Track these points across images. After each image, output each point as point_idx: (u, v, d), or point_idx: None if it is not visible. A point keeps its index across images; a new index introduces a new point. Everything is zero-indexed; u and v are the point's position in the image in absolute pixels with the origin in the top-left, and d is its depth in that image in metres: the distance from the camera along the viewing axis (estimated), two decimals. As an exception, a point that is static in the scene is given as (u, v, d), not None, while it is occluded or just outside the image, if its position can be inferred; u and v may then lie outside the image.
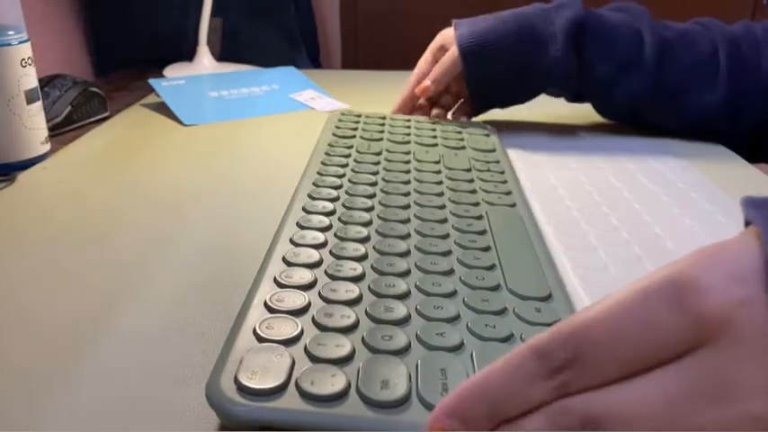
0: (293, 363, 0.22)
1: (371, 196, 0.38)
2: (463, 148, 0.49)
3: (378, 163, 0.44)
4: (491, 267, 0.31)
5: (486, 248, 0.33)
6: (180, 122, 0.63)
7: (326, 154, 0.45)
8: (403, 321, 0.26)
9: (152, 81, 0.70)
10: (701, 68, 0.53)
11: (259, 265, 0.30)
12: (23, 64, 0.50)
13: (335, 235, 0.33)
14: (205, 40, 0.85)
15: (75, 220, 0.41)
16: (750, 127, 0.54)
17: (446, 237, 0.33)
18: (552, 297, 0.28)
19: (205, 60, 0.86)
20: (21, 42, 0.49)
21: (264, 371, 0.22)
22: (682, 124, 0.56)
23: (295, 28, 1.05)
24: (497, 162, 0.47)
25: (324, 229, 0.33)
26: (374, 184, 0.40)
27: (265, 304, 0.26)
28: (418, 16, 1.29)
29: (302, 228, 0.33)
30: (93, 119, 0.65)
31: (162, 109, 0.67)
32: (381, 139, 0.49)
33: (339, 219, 0.35)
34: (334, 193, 0.38)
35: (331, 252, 0.31)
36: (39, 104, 0.52)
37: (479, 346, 0.24)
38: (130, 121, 0.65)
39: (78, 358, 0.27)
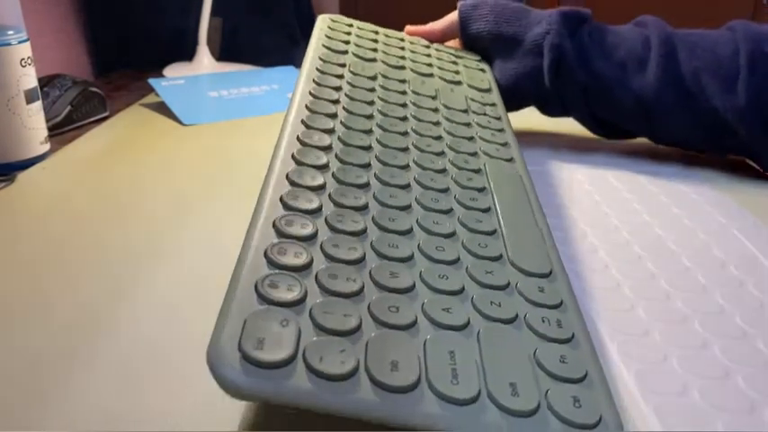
0: (299, 332, 0.21)
1: (369, 132, 0.35)
2: (459, 83, 0.48)
3: (373, 90, 0.41)
4: (493, 233, 0.30)
5: (487, 209, 0.32)
6: (179, 122, 0.63)
7: (318, 70, 0.42)
8: (408, 290, 0.24)
9: (152, 81, 0.70)
10: (718, 68, 0.48)
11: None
12: (23, 64, 0.50)
13: (333, 175, 0.30)
14: (205, 39, 0.85)
15: (74, 219, 0.41)
16: None
17: (446, 191, 0.32)
18: (553, 274, 0.28)
19: (205, 60, 0.86)
20: (20, 42, 0.49)
21: (271, 340, 0.20)
22: (694, 131, 0.51)
23: (295, 28, 1.05)
24: (494, 105, 0.45)
25: (321, 168, 0.30)
26: (371, 116, 0.37)
27: (266, 256, 0.24)
28: (418, 17, 1.29)
29: (299, 163, 0.30)
30: (92, 119, 0.65)
31: (161, 109, 0.67)
32: (375, 60, 0.47)
33: (336, 156, 0.32)
34: (326, 138, 0.34)
35: (330, 197, 0.28)
36: (38, 104, 0.52)
37: (485, 327, 0.24)
38: (130, 121, 0.65)
39: (78, 358, 0.27)
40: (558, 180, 0.48)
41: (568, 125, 0.58)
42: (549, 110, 0.56)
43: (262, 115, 0.66)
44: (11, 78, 0.49)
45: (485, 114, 0.43)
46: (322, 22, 0.51)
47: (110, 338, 0.29)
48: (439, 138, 0.38)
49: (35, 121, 0.51)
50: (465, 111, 0.43)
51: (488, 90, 0.48)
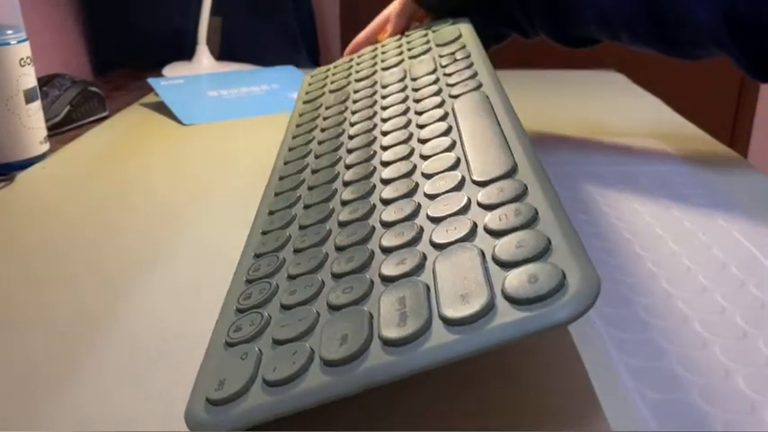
0: (260, 356, 0.22)
1: (337, 161, 0.35)
2: (429, 50, 0.47)
3: (343, 111, 0.42)
4: (455, 166, 0.29)
5: (451, 147, 0.31)
6: (179, 122, 0.63)
7: (297, 126, 0.44)
8: (365, 266, 0.24)
9: (151, 80, 0.70)
10: None
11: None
12: (22, 63, 0.49)
13: (304, 206, 0.32)
14: (204, 39, 0.85)
15: (74, 219, 0.41)
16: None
17: (411, 154, 0.32)
18: (517, 169, 0.26)
19: (204, 60, 0.86)
20: (19, 42, 0.49)
21: (230, 377, 0.21)
22: (662, 42, 0.49)
23: (295, 27, 1.05)
24: (463, 47, 0.45)
25: (291, 205, 0.33)
26: (339, 146, 0.38)
27: (236, 307, 0.26)
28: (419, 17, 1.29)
29: (272, 213, 0.33)
30: (92, 118, 0.65)
31: (161, 108, 0.67)
32: (348, 83, 0.47)
33: (308, 187, 0.34)
34: (300, 176, 0.36)
35: (297, 222, 0.31)
36: (37, 104, 0.52)
37: (440, 256, 0.23)
38: (129, 121, 0.65)
39: (77, 358, 0.27)
40: (556, 180, 0.48)
41: (568, 126, 0.58)
42: (527, 36, 0.56)
43: (261, 115, 0.66)
44: (10, 78, 0.49)
45: (454, 61, 0.43)
46: (303, 83, 0.54)
47: (109, 338, 0.29)
48: (406, 111, 0.38)
49: (34, 120, 0.51)
50: (433, 71, 0.43)
51: (458, 37, 0.47)
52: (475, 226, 0.23)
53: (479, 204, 0.25)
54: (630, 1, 0.48)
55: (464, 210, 0.25)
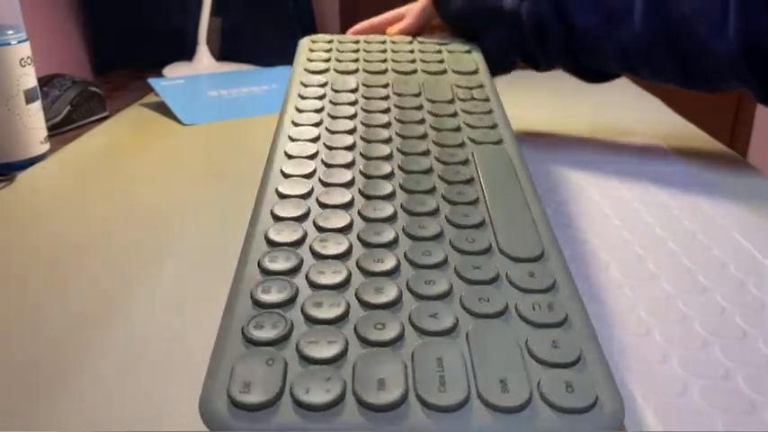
0: (285, 367, 0.21)
1: (351, 147, 0.35)
2: (444, 72, 0.47)
3: (354, 103, 0.41)
4: (481, 225, 0.29)
5: (475, 201, 0.31)
6: (179, 122, 0.63)
7: (300, 96, 0.42)
8: (394, 303, 0.24)
9: (151, 81, 0.70)
10: (707, 11, 0.46)
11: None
12: (22, 63, 0.50)
13: (317, 201, 0.30)
14: (205, 39, 0.85)
15: (74, 219, 0.41)
16: None
17: (433, 191, 0.32)
18: (545, 255, 0.27)
19: (204, 60, 0.86)
20: (20, 42, 0.49)
21: (257, 381, 0.21)
22: (681, 74, 0.49)
23: (295, 28, 1.05)
24: (481, 87, 0.45)
25: (304, 196, 0.30)
26: (353, 131, 0.37)
27: (252, 297, 0.25)
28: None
29: (282, 197, 0.31)
30: (92, 118, 0.65)
31: (161, 108, 0.67)
32: (356, 71, 0.47)
33: (320, 179, 0.32)
34: (309, 165, 0.34)
35: (315, 223, 0.29)
36: (38, 104, 0.52)
37: (474, 326, 0.23)
38: (130, 121, 0.65)
39: (77, 359, 0.27)
40: (557, 180, 0.48)
41: (568, 126, 0.58)
42: (537, 67, 0.56)
43: (262, 115, 0.66)
44: (10, 78, 0.49)
45: (472, 99, 0.43)
46: (302, 46, 0.52)
47: (110, 338, 0.29)
48: (424, 136, 0.37)
49: (35, 120, 0.51)
50: (450, 101, 0.42)
51: (475, 71, 0.47)
52: (507, 306, 0.24)
53: (510, 282, 0.25)
54: (650, 35, 0.48)
55: (495, 281, 0.26)
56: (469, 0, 0.53)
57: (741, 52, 0.45)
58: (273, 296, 0.25)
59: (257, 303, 0.24)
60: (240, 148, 0.56)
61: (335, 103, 0.41)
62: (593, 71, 0.55)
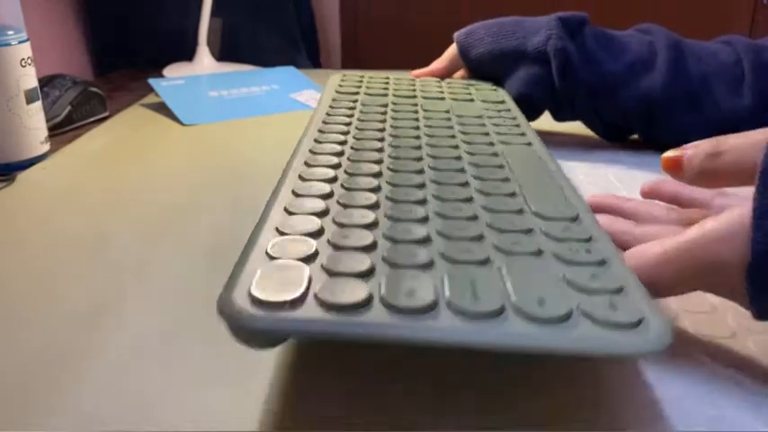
0: (311, 278, 0.21)
1: (379, 150, 0.35)
2: (472, 100, 0.48)
3: (384, 113, 0.42)
4: (512, 195, 0.29)
5: (505, 179, 0.31)
6: (180, 122, 0.63)
7: (331, 107, 0.43)
8: (424, 241, 0.24)
9: (151, 81, 0.70)
10: (724, 74, 0.50)
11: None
12: (23, 64, 0.49)
13: (342, 186, 0.29)
14: (205, 39, 0.85)
15: (74, 220, 0.41)
16: None
17: (462, 170, 0.32)
18: (580, 218, 0.27)
19: (205, 60, 0.86)
20: (20, 42, 0.49)
21: (281, 285, 0.20)
22: (698, 131, 0.47)
23: (295, 28, 1.05)
24: (508, 110, 0.45)
25: (330, 180, 0.30)
26: (381, 130, 0.38)
27: (277, 230, 0.24)
28: (419, 17, 1.29)
29: (305, 180, 0.30)
30: (92, 119, 0.65)
31: (162, 109, 0.67)
32: (386, 95, 0.48)
33: (345, 171, 0.31)
34: (337, 147, 0.34)
35: (338, 202, 0.28)
36: (38, 104, 0.52)
37: (508, 261, 0.23)
38: (130, 122, 0.65)
39: (76, 358, 0.27)
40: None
41: (569, 125, 0.58)
42: (560, 114, 0.56)
43: (262, 115, 0.66)
44: (11, 78, 0.49)
45: (499, 116, 0.43)
46: (332, 80, 0.53)
47: (111, 338, 0.29)
48: (452, 137, 0.38)
49: (35, 121, 0.51)
50: (479, 116, 0.43)
51: (502, 101, 0.48)
52: (542, 249, 0.24)
53: (545, 234, 0.25)
54: (674, 87, 0.51)
55: (528, 231, 0.25)
56: (493, 43, 0.54)
57: (753, 109, 0.49)
58: (299, 227, 0.24)
59: (282, 233, 0.24)
60: (240, 149, 0.56)
61: (364, 112, 0.42)
62: (612, 126, 0.55)
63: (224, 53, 0.94)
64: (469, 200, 0.28)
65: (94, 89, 0.66)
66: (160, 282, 0.33)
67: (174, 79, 0.72)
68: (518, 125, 0.42)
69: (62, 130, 0.61)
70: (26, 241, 0.38)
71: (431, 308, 0.19)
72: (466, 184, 0.30)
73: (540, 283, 0.21)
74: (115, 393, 0.25)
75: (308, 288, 0.20)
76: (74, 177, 0.49)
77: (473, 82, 0.55)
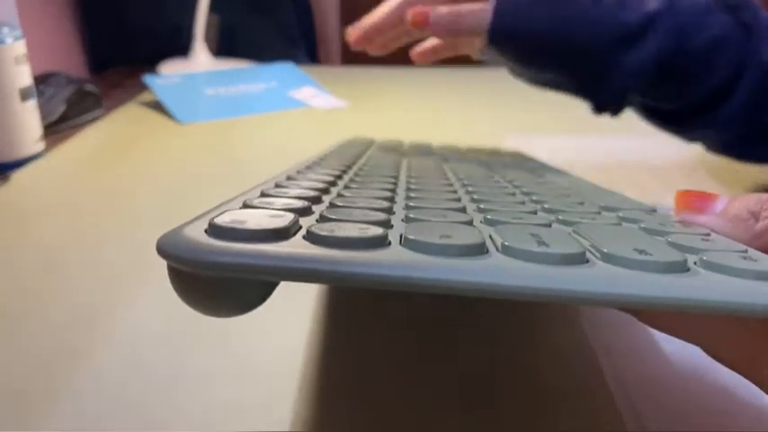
0: (297, 219, 0.15)
1: (395, 177, 0.26)
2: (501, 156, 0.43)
3: (401, 157, 0.35)
4: (568, 196, 0.24)
5: (565, 193, 0.25)
6: (176, 121, 0.62)
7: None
8: (461, 210, 0.19)
9: (147, 79, 0.69)
10: None
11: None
12: (17, 62, 0.49)
13: (346, 185, 0.23)
14: (202, 35, 0.85)
15: (69, 218, 0.41)
16: None
17: (506, 187, 0.25)
18: (657, 211, 0.22)
19: (201, 57, 0.85)
20: (15, 40, 0.49)
21: (256, 219, 0.15)
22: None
23: (293, 23, 1.04)
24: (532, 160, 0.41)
25: (329, 183, 0.23)
26: (398, 167, 0.30)
27: (262, 192, 0.19)
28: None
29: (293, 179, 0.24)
30: (87, 117, 0.64)
31: (158, 107, 0.66)
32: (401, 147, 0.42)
33: (352, 178, 0.25)
34: (340, 169, 0.27)
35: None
36: (33, 102, 0.51)
37: (580, 228, 0.17)
38: (126, 120, 0.64)
39: (75, 359, 0.27)
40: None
41: (570, 126, 0.58)
42: (686, 128, 0.41)
43: (260, 113, 0.65)
44: (5, 76, 0.48)
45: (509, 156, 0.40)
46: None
47: (108, 339, 0.28)
48: (490, 176, 0.30)
49: (30, 119, 0.51)
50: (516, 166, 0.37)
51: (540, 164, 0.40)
52: (621, 221, 0.19)
53: (622, 218, 0.20)
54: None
55: (597, 213, 0.20)
56: (557, 20, 0.37)
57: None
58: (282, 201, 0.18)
59: (263, 194, 0.19)
60: (238, 148, 0.55)
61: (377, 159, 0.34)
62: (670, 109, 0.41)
63: (221, 49, 0.93)
64: (513, 194, 0.23)
65: (89, 87, 0.65)
66: (157, 281, 0.33)
67: (169, 77, 0.71)
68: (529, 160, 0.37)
69: (57, 129, 0.60)
70: (21, 240, 0.38)
71: (478, 250, 0.14)
72: (513, 194, 0.24)
73: (629, 236, 0.16)
74: (115, 394, 0.25)
75: (295, 223, 0.15)
76: (68, 176, 0.49)
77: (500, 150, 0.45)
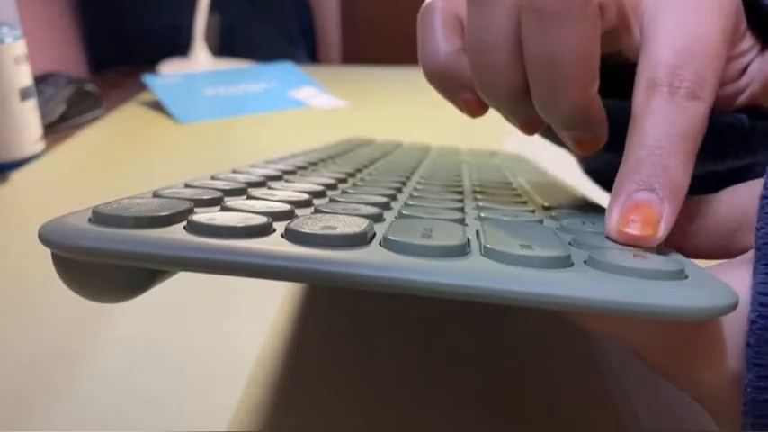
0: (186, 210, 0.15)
1: (403, 182, 0.25)
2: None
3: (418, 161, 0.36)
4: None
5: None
6: (176, 120, 0.62)
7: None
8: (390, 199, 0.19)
9: (147, 79, 0.69)
10: None
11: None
12: (17, 61, 0.49)
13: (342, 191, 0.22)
14: (202, 35, 0.84)
15: (70, 220, 0.41)
16: None
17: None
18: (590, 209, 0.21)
19: (201, 56, 0.85)
20: (15, 40, 0.49)
21: (151, 207, 0.15)
22: None
23: (293, 23, 1.04)
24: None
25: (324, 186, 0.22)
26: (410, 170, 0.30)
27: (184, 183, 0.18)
28: (416, 18, 1.28)
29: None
30: (87, 117, 0.64)
31: (158, 106, 0.66)
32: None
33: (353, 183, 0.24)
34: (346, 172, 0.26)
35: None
36: (33, 102, 0.51)
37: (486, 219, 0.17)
38: (125, 119, 0.64)
39: (74, 359, 0.27)
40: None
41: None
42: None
43: (260, 113, 0.65)
44: (5, 76, 0.48)
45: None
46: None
47: (108, 339, 0.28)
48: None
49: (30, 119, 0.51)
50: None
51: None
52: (542, 220, 0.18)
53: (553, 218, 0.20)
54: None
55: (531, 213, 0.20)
56: None
57: None
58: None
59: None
60: (238, 148, 0.55)
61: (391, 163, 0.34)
62: None
63: (221, 49, 0.93)
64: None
65: (89, 87, 0.65)
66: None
67: (169, 77, 0.72)
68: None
69: (57, 129, 0.60)
70: (20, 241, 0.38)
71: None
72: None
73: (525, 236, 0.15)
74: (115, 393, 0.25)
75: (183, 212, 0.14)
76: (68, 176, 0.49)
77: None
